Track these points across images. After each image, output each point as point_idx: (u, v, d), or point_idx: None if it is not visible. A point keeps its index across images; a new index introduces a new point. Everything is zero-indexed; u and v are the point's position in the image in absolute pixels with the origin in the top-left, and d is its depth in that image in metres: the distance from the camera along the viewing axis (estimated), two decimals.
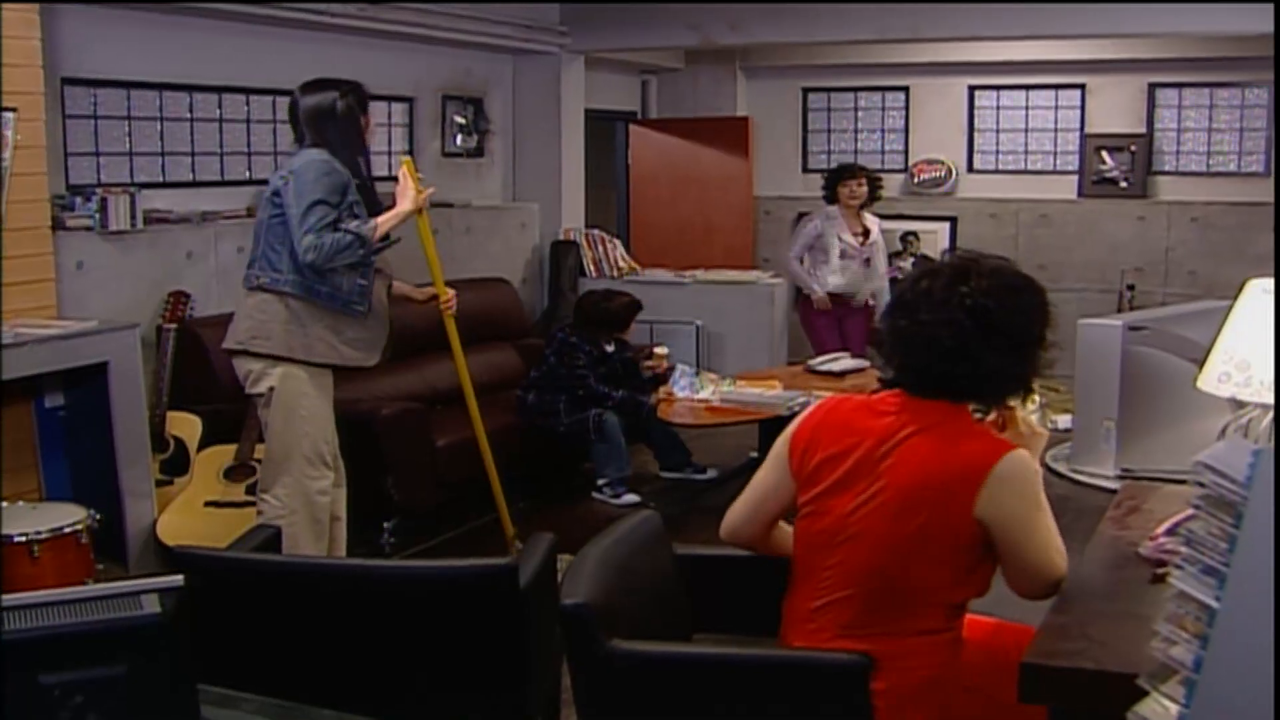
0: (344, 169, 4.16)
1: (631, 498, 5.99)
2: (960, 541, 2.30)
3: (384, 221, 4.25)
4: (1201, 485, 1.47)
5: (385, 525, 5.34)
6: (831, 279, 7.28)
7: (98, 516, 4.19)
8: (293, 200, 4.07)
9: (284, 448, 4.22)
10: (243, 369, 4.25)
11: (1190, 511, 1.49)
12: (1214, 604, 1.41)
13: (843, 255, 7.28)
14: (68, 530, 4.02)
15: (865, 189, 7.34)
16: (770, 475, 2.55)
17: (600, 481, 6.08)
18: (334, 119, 4.20)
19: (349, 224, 4.11)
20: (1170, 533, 2.45)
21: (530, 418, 6.06)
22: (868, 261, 7.36)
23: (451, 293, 4.69)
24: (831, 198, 7.36)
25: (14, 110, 4.47)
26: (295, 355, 4.16)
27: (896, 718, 2.31)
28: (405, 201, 4.34)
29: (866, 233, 7.38)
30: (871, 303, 7.41)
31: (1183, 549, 1.49)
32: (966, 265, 2.39)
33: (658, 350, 6.58)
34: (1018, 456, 2.31)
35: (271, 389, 4.18)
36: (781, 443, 2.53)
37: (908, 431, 2.36)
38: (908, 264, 8.44)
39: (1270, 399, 2.70)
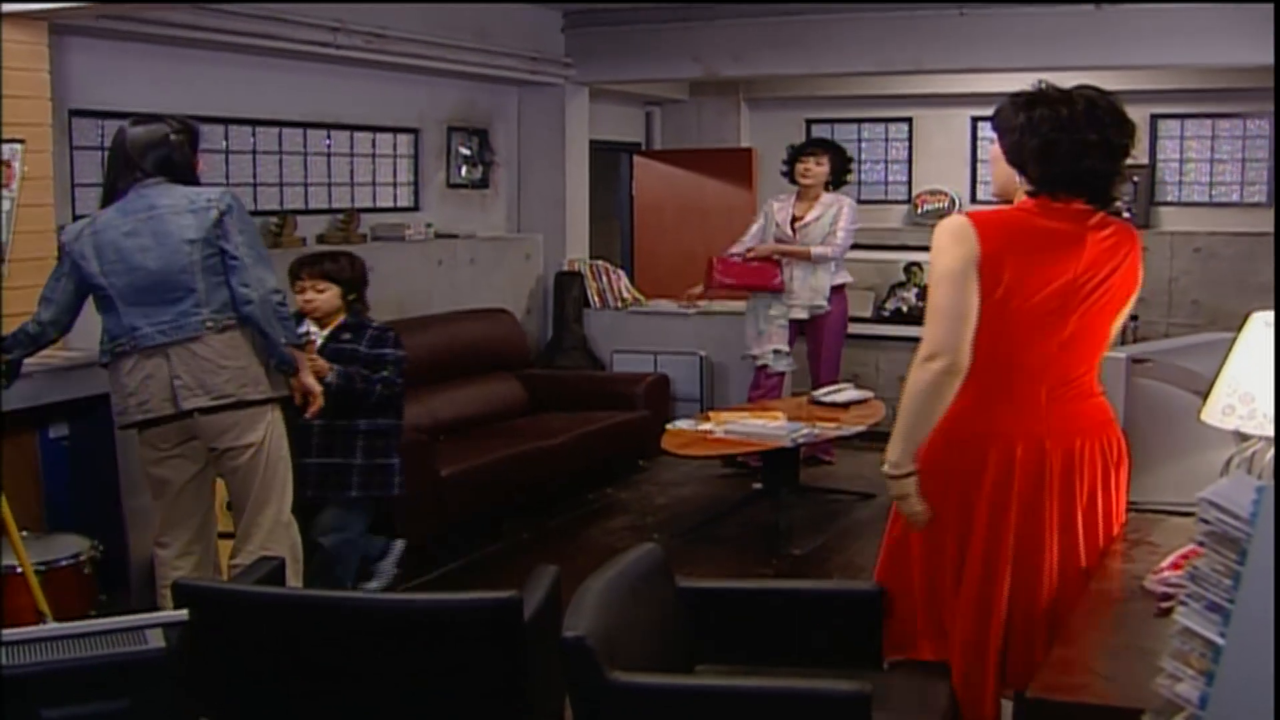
0: None
1: (400, 543, 5.02)
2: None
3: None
4: (1206, 522, 1.47)
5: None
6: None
7: (100, 547, 4.19)
8: (241, 236, 3.83)
9: (268, 495, 4.00)
10: (224, 423, 3.88)
11: (1195, 546, 1.49)
12: (1219, 640, 1.41)
13: (777, 243, 6.93)
14: (70, 561, 4.02)
15: (823, 168, 6.84)
16: (963, 297, 2.70)
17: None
18: (171, 150, 3.93)
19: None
20: (1175, 566, 2.44)
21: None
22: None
23: None
24: (791, 178, 6.99)
25: (22, 142, 4.50)
26: (280, 391, 3.92)
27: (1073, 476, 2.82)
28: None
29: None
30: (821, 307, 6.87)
31: (1187, 585, 1.49)
32: (1090, 96, 2.77)
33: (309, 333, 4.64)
34: None
35: (266, 434, 3.93)
36: (963, 264, 2.69)
37: (1097, 221, 2.83)
38: (911, 295, 8.42)
39: (1274, 432, 2.69)
